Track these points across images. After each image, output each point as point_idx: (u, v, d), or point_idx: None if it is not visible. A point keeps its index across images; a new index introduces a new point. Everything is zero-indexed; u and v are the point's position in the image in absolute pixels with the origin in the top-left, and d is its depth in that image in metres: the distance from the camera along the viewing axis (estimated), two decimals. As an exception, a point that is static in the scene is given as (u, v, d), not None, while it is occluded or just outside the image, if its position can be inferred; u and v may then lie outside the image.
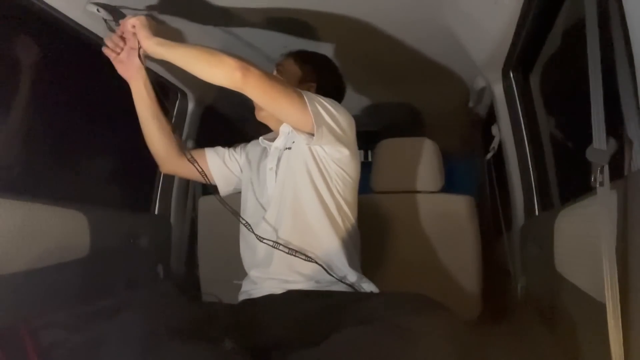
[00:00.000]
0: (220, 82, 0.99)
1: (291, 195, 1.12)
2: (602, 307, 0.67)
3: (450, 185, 1.60)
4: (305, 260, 1.07)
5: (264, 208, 1.16)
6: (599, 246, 0.68)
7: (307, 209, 1.11)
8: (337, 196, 1.13)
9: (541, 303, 1.19)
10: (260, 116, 1.24)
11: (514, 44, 1.30)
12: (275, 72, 1.25)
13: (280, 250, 1.08)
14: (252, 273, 1.16)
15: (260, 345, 0.89)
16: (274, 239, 1.09)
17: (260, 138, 1.28)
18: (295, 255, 1.07)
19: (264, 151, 1.27)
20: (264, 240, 1.09)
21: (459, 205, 1.51)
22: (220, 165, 1.31)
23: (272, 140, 1.24)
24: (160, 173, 1.75)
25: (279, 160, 1.18)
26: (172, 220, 1.81)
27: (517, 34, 1.24)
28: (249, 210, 1.20)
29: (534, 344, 1.10)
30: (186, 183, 1.88)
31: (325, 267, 1.07)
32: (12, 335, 1.07)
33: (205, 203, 1.72)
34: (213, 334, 0.84)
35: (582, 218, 0.89)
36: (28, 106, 1.35)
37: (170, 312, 0.89)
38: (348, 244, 1.13)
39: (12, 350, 1.05)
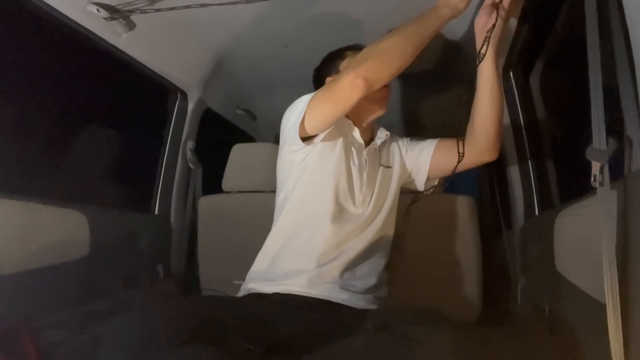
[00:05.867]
0: None
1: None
2: (602, 307, 0.67)
3: (450, 185, 1.60)
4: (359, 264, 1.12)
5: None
6: (599, 246, 0.68)
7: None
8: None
9: (541, 303, 1.19)
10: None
11: (513, 44, 1.30)
12: None
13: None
14: (284, 264, 1.10)
15: (265, 345, 0.88)
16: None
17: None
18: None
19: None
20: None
21: (459, 205, 1.51)
22: None
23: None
24: (161, 173, 1.75)
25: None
26: (172, 220, 1.80)
27: (517, 34, 1.24)
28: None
29: (534, 344, 1.10)
30: (186, 183, 1.87)
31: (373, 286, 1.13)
32: (12, 335, 1.07)
33: (205, 203, 1.72)
34: (217, 332, 0.83)
35: (582, 218, 0.88)
36: (28, 106, 1.35)
37: (168, 312, 0.88)
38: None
39: (12, 350, 1.05)
